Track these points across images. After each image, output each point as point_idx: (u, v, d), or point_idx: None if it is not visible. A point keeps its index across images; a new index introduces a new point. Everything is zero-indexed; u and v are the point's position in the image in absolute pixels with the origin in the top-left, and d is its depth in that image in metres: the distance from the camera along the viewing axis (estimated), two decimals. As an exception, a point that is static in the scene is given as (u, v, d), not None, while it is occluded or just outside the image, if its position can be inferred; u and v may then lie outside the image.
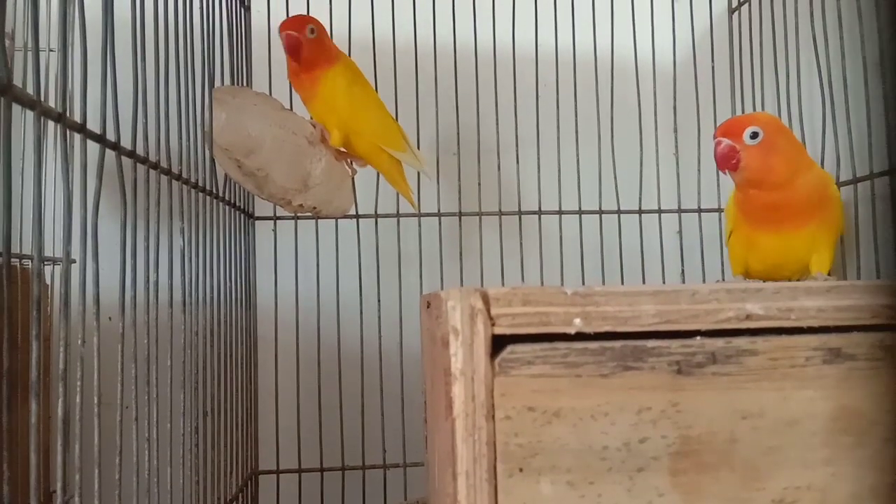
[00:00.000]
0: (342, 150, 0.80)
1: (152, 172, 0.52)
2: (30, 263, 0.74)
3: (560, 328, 0.37)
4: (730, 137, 0.62)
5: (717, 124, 0.89)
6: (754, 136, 0.61)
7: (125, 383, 0.46)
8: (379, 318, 0.89)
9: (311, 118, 0.79)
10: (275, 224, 0.91)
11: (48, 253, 0.80)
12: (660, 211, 0.91)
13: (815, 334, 0.39)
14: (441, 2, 0.90)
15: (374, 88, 0.83)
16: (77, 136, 0.42)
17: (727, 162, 0.62)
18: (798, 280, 0.65)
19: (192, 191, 0.60)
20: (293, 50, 0.76)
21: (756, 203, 0.64)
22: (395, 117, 0.84)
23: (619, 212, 0.90)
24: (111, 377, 0.43)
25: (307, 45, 0.76)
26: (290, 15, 0.83)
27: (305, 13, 0.84)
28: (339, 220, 0.88)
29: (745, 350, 0.38)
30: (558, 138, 0.88)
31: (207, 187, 0.64)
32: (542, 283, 0.91)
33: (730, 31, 0.91)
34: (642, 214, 0.90)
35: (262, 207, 0.90)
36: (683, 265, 0.90)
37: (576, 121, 0.89)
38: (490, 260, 0.90)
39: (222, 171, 0.72)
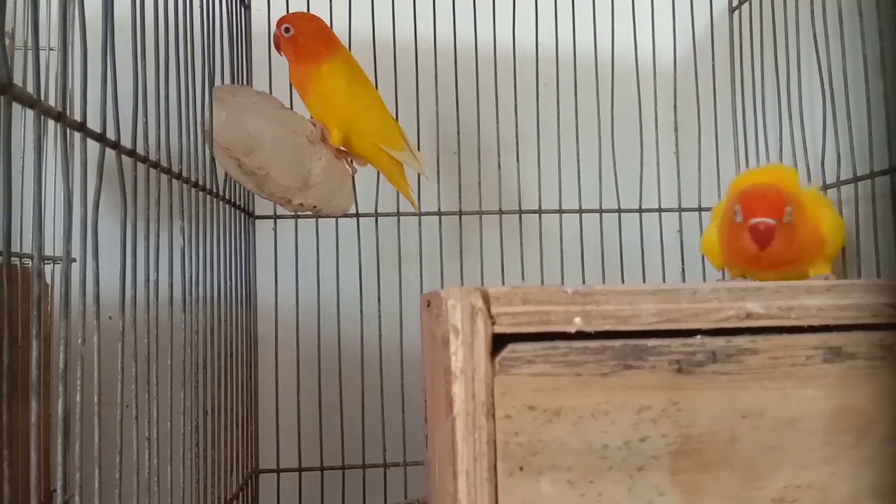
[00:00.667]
0: (342, 148, 0.80)
1: (152, 171, 0.52)
2: (30, 262, 0.74)
3: (560, 327, 0.37)
4: (772, 217, 0.57)
5: (717, 123, 0.90)
6: (788, 214, 0.58)
7: (125, 382, 0.46)
8: (379, 316, 0.89)
9: (311, 117, 0.79)
10: (275, 223, 0.91)
11: (48, 252, 0.80)
12: (660, 210, 0.90)
13: (816, 333, 0.39)
14: (441, 0, 0.90)
15: (374, 86, 0.83)
16: (77, 135, 0.42)
17: (768, 242, 0.57)
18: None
19: (193, 190, 0.60)
20: (276, 47, 0.80)
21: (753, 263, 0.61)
22: (395, 116, 0.84)
23: (619, 210, 0.90)
24: (111, 376, 0.43)
25: (283, 43, 0.78)
26: (290, 13, 0.83)
27: (305, 11, 0.84)
28: (339, 218, 0.88)
29: (745, 349, 0.38)
30: (559, 137, 0.88)
31: (207, 186, 0.64)
32: (542, 281, 0.91)
33: (730, 30, 0.91)
34: (643, 213, 0.90)
35: (262, 206, 0.90)
36: (684, 264, 0.90)
37: (576, 119, 0.89)
38: (490, 259, 0.90)
39: (222, 169, 0.72)
